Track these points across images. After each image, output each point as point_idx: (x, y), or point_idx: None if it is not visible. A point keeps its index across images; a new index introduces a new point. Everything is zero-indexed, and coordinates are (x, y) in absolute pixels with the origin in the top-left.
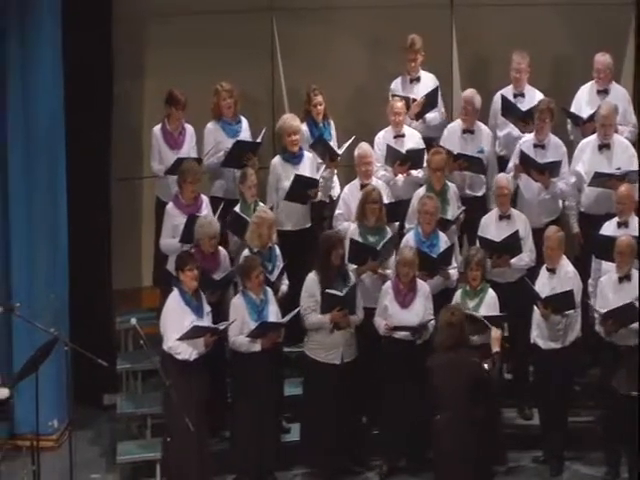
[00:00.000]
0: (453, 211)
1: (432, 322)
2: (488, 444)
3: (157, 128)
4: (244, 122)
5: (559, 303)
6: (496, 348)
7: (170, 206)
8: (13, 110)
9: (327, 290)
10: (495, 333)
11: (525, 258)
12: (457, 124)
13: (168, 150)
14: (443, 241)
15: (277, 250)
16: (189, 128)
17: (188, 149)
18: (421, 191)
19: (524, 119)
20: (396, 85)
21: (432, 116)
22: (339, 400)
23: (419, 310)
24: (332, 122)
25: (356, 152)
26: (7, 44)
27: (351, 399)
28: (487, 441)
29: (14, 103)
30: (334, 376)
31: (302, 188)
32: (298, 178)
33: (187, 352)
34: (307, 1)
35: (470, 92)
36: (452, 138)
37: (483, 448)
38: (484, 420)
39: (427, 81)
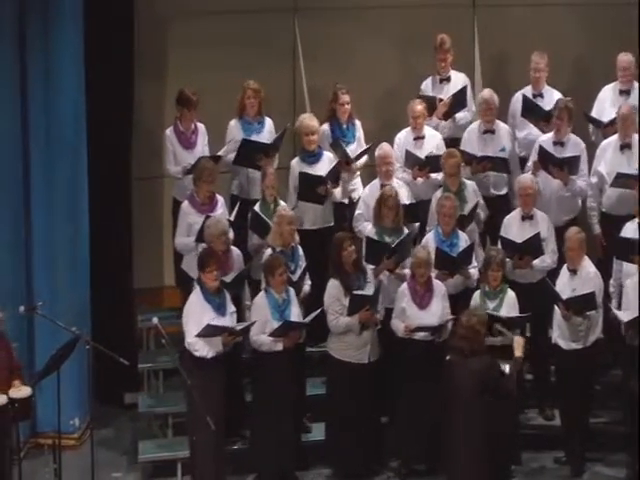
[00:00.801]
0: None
1: (451, 321)
2: (504, 445)
3: (169, 130)
4: (267, 123)
5: (580, 304)
6: (519, 353)
7: (185, 205)
8: (35, 111)
9: (355, 292)
10: (519, 338)
11: (547, 259)
12: (476, 125)
13: (182, 150)
14: (463, 240)
15: (300, 250)
16: (201, 127)
17: (202, 147)
18: (439, 193)
19: (546, 119)
20: (426, 85)
21: (462, 115)
22: (362, 400)
23: (437, 310)
24: (358, 125)
25: (377, 152)
26: (29, 45)
27: (377, 398)
28: (503, 442)
29: (36, 104)
30: (361, 375)
31: (309, 186)
32: (303, 176)
33: (204, 349)
34: (330, 1)
35: (488, 92)
36: (472, 139)
37: (499, 449)
38: (500, 421)
39: (457, 81)
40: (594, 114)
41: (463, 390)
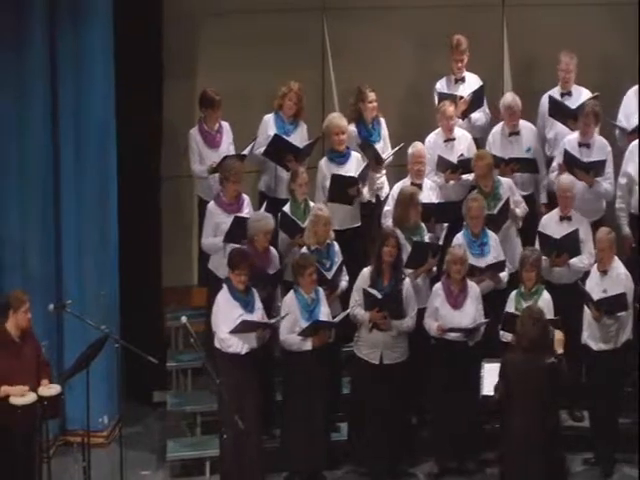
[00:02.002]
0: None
1: (484, 324)
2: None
3: (194, 130)
4: (302, 128)
5: (611, 305)
6: (560, 350)
7: (212, 205)
8: (64, 109)
9: (365, 288)
10: (558, 335)
11: (584, 260)
12: (501, 127)
13: (208, 150)
14: (493, 240)
15: (336, 247)
16: (225, 125)
17: (227, 146)
18: (475, 194)
19: (573, 117)
20: (441, 85)
21: (477, 116)
22: (382, 400)
23: (470, 311)
24: (383, 122)
25: (410, 151)
26: (59, 44)
27: (397, 399)
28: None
29: (65, 102)
30: (376, 375)
31: (341, 188)
32: (335, 177)
33: (238, 345)
34: (359, 1)
35: (510, 96)
36: (497, 142)
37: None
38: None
39: (472, 81)
40: (621, 116)
41: (523, 389)
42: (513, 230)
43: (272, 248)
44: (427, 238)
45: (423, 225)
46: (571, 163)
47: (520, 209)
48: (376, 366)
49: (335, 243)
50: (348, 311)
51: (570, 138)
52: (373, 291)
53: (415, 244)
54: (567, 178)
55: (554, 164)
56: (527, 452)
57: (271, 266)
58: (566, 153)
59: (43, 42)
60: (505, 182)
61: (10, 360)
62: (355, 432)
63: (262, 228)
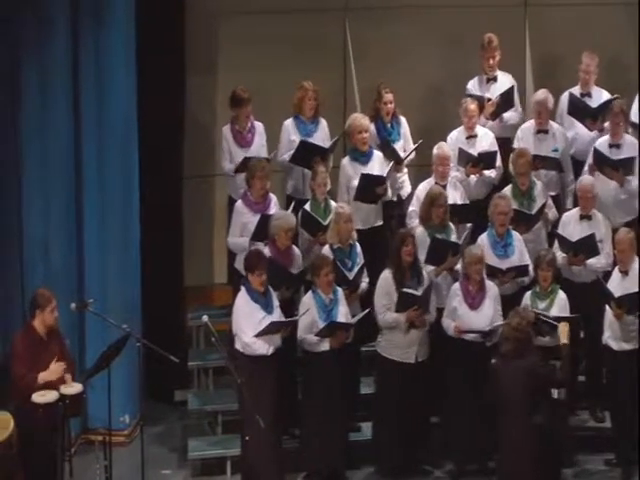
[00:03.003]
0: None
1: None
2: (555, 447)
3: (226, 128)
4: (322, 123)
5: (633, 303)
6: (564, 340)
7: (239, 204)
8: (87, 108)
9: (404, 290)
10: (563, 326)
11: (602, 260)
12: (530, 124)
13: (238, 149)
14: (517, 240)
15: (358, 247)
16: (259, 126)
17: (258, 147)
18: (508, 190)
19: (593, 117)
20: (473, 85)
21: (509, 115)
22: (411, 399)
23: (488, 312)
24: (403, 121)
25: (435, 151)
26: (81, 44)
27: (425, 398)
28: (554, 444)
29: (88, 101)
30: (408, 375)
31: (370, 187)
32: (365, 177)
33: (264, 347)
34: (380, 1)
35: (542, 93)
36: (526, 138)
37: (550, 451)
38: (550, 423)
39: (504, 80)
40: (632, 116)
41: (512, 392)
42: (543, 233)
43: (295, 247)
44: (454, 238)
45: (452, 226)
46: (601, 162)
47: (552, 213)
48: (412, 365)
49: (357, 244)
50: (366, 312)
51: (600, 141)
52: (411, 290)
53: (433, 240)
54: (588, 178)
55: (585, 167)
56: (519, 456)
57: (294, 265)
58: (595, 151)
59: (65, 41)
60: (539, 184)
61: (37, 357)
62: (382, 432)
63: (283, 226)
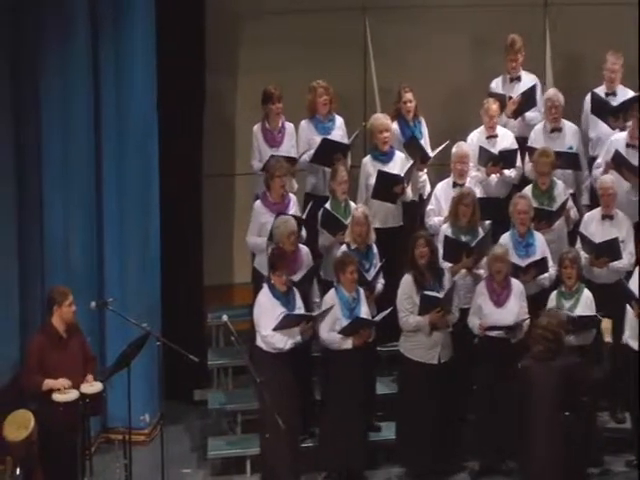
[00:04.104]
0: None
1: (527, 321)
2: (583, 447)
3: (257, 127)
4: (338, 120)
5: None
6: (608, 338)
7: (258, 204)
8: (107, 108)
9: (425, 292)
10: (606, 323)
11: (624, 261)
12: (542, 125)
13: (267, 148)
14: (539, 240)
15: (375, 249)
16: (289, 126)
17: (288, 147)
18: (528, 190)
19: (614, 115)
20: (496, 84)
21: (532, 115)
22: (434, 399)
23: (514, 309)
24: (423, 120)
25: (454, 150)
26: (101, 43)
27: (448, 398)
28: (581, 444)
29: (108, 101)
30: (431, 375)
31: (387, 185)
32: (381, 174)
33: (282, 342)
34: (400, 0)
35: (553, 91)
36: (539, 139)
37: (577, 451)
38: (578, 423)
39: (527, 81)
40: None
41: (543, 393)
42: (565, 232)
43: (303, 247)
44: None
45: (480, 230)
46: (619, 162)
47: (573, 212)
48: (434, 366)
49: (374, 245)
50: (388, 311)
51: (617, 137)
52: (433, 293)
53: (445, 239)
54: (608, 176)
55: (599, 160)
56: (546, 455)
57: (302, 266)
58: (617, 154)
59: (85, 43)
60: (560, 184)
61: (57, 355)
62: (405, 433)
63: (284, 232)
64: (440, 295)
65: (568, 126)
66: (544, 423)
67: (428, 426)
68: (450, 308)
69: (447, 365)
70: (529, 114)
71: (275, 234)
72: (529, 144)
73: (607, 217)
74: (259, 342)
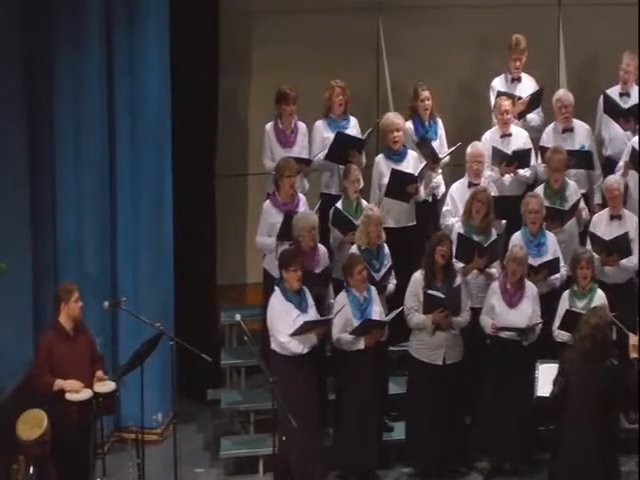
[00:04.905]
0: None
1: (540, 325)
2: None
3: (269, 125)
4: (352, 120)
5: None
6: (635, 354)
7: (267, 204)
8: (120, 108)
9: (428, 291)
10: (633, 339)
11: (634, 259)
12: (554, 125)
13: (279, 148)
14: (551, 240)
15: (386, 249)
16: (302, 127)
17: (300, 148)
18: (540, 189)
19: (625, 117)
20: (499, 83)
21: (532, 117)
22: (441, 400)
23: (527, 310)
24: (439, 120)
25: (469, 150)
26: (115, 42)
27: (455, 399)
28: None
29: (121, 101)
30: (435, 376)
31: (400, 184)
32: (395, 173)
33: (299, 347)
34: (414, 0)
35: (562, 92)
36: (551, 139)
37: (610, 453)
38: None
39: (527, 82)
40: None
41: (585, 394)
42: (576, 232)
43: (320, 246)
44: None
45: (494, 232)
46: (638, 162)
47: (584, 213)
48: (439, 367)
49: (385, 245)
50: (399, 310)
51: (636, 139)
52: (435, 292)
53: (459, 237)
54: (613, 177)
55: (620, 163)
56: (581, 454)
57: (320, 264)
58: (633, 152)
59: (99, 39)
60: (572, 185)
61: (65, 352)
62: (413, 432)
63: (305, 226)
64: (442, 295)
65: (579, 125)
66: (582, 424)
67: (434, 426)
68: (457, 310)
69: (455, 366)
70: (529, 115)
71: (295, 227)
72: (541, 144)
73: (615, 217)
74: (274, 346)
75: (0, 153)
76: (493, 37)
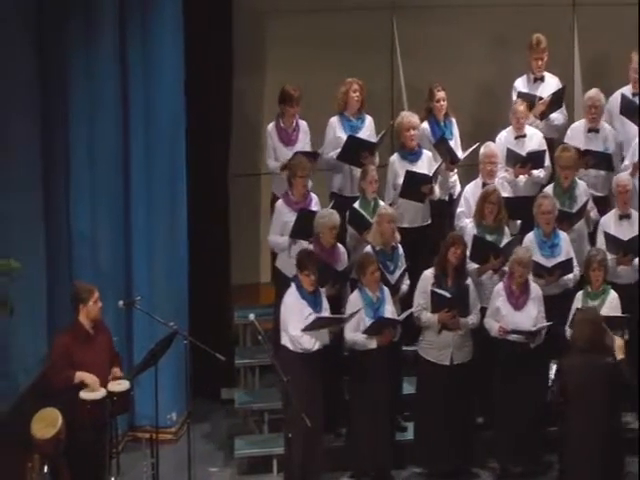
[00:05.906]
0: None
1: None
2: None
3: (271, 125)
4: (367, 120)
5: None
6: (621, 355)
7: (280, 203)
8: (134, 107)
9: (435, 290)
10: (619, 341)
11: None
12: (581, 123)
13: (282, 147)
14: (564, 240)
15: (400, 250)
16: (303, 124)
17: (302, 145)
18: (550, 188)
19: None
20: (522, 83)
21: (555, 116)
22: (450, 401)
23: (532, 313)
24: (454, 120)
25: (482, 150)
26: (129, 44)
27: (464, 400)
28: (614, 448)
29: (135, 101)
30: (444, 376)
31: (415, 184)
32: (410, 174)
33: (310, 342)
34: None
35: (595, 91)
36: (576, 137)
37: (616, 452)
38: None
39: (551, 82)
40: None
41: (587, 390)
42: (585, 232)
43: (340, 245)
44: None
45: (507, 230)
46: None
47: (593, 213)
48: (446, 367)
49: (400, 246)
50: (412, 310)
51: None
52: (441, 291)
53: (474, 239)
54: (624, 174)
55: (626, 162)
56: (586, 453)
57: (339, 263)
58: None
59: (113, 41)
60: (581, 184)
61: (85, 352)
62: (422, 433)
63: (327, 224)
64: (448, 295)
65: (606, 128)
66: (586, 422)
67: (443, 427)
68: (465, 311)
69: (463, 366)
70: (553, 115)
71: (317, 224)
72: (565, 140)
73: (624, 217)
74: (285, 341)
75: (15, 152)
76: (507, 36)
